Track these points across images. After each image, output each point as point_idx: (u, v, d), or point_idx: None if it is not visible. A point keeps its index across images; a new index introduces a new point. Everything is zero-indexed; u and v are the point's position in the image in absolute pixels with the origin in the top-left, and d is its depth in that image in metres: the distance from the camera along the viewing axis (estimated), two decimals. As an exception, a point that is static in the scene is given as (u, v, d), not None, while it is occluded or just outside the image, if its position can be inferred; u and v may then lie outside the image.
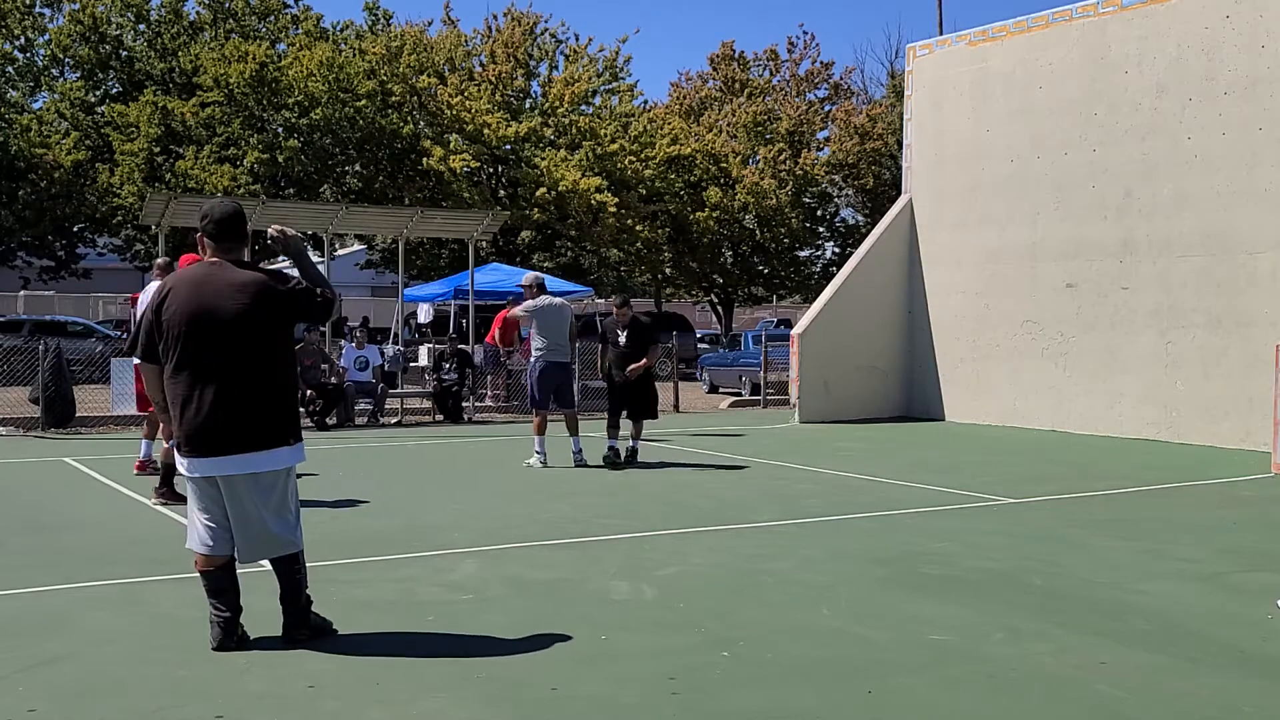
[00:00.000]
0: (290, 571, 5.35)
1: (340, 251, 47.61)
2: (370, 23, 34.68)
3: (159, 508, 9.23)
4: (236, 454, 5.15)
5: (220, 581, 5.30)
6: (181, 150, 29.62)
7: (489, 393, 19.94)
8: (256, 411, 5.18)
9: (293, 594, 5.36)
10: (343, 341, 18.32)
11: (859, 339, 17.87)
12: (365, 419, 17.31)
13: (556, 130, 33.08)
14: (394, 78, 31.66)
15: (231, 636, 5.26)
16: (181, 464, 5.27)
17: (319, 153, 30.73)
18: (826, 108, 40.54)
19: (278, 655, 5.21)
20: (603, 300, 43.83)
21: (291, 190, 31.08)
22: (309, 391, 16.15)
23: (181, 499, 9.30)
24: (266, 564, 5.41)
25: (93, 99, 31.80)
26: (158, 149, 29.56)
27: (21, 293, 38.54)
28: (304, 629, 5.37)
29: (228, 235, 5.30)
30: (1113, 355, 15.52)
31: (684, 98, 40.44)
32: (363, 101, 30.33)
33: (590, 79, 34.25)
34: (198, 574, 5.38)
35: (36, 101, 32.54)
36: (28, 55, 32.07)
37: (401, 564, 7.20)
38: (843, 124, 38.17)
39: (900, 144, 24.15)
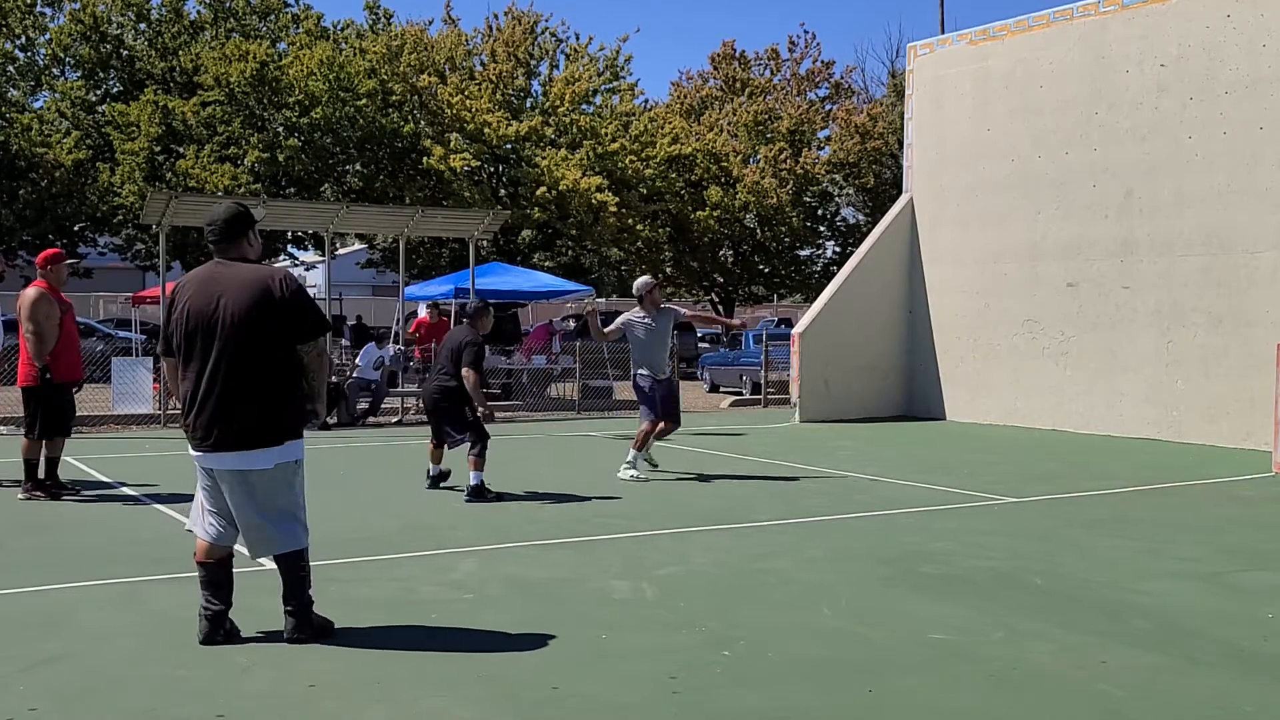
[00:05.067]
0: (293, 569, 5.39)
1: (341, 251, 47.64)
2: (371, 22, 34.67)
3: (28, 500, 9.50)
4: (227, 451, 5.26)
5: (216, 575, 5.37)
6: (182, 149, 29.61)
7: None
8: (248, 409, 5.25)
9: (295, 592, 5.39)
10: (370, 344, 18.35)
11: (859, 338, 17.86)
12: (362, 416, 17.34)
13: (557, 129, 33.06)
14: (394, 77, 31.65)
15: (218, 630, 5.33)
16: (190, 453, 5.41)
17: (319, 152, 30.71)
18: (827, 107, 40.50)
19: (278, 655, 5.21)
20: (603, 300, 43.84)
21: (292, 189, 31.07)
22: None
23: (50, 495, 9.56)
24: (268, 563, 5.42)
25: (93, 98, 31.78)
26: (158, 148, 29.55)
27: (22, 292, 38.52)
28: (305, 629, 5.38)
29: (227, 236, 5.45)
30: (1113, 355, 15.51)
31: (685, 97, 40.41)
32: (363, 101, 30.32)
33: (591, 78, 34.23)
34: (195, 565, 5.42)
35: (37, 101, 32.51)
36: (28, 54, 32.02)
37: (402, 563, 7.20)
38: (843, 123, 38.14)
39: (901, 143, 24.14)
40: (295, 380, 5.39)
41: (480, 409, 9.80)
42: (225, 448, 5.25)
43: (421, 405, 10.00)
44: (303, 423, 5.44)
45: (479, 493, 9.62)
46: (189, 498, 9.53)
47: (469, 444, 9.77)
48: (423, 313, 21.05)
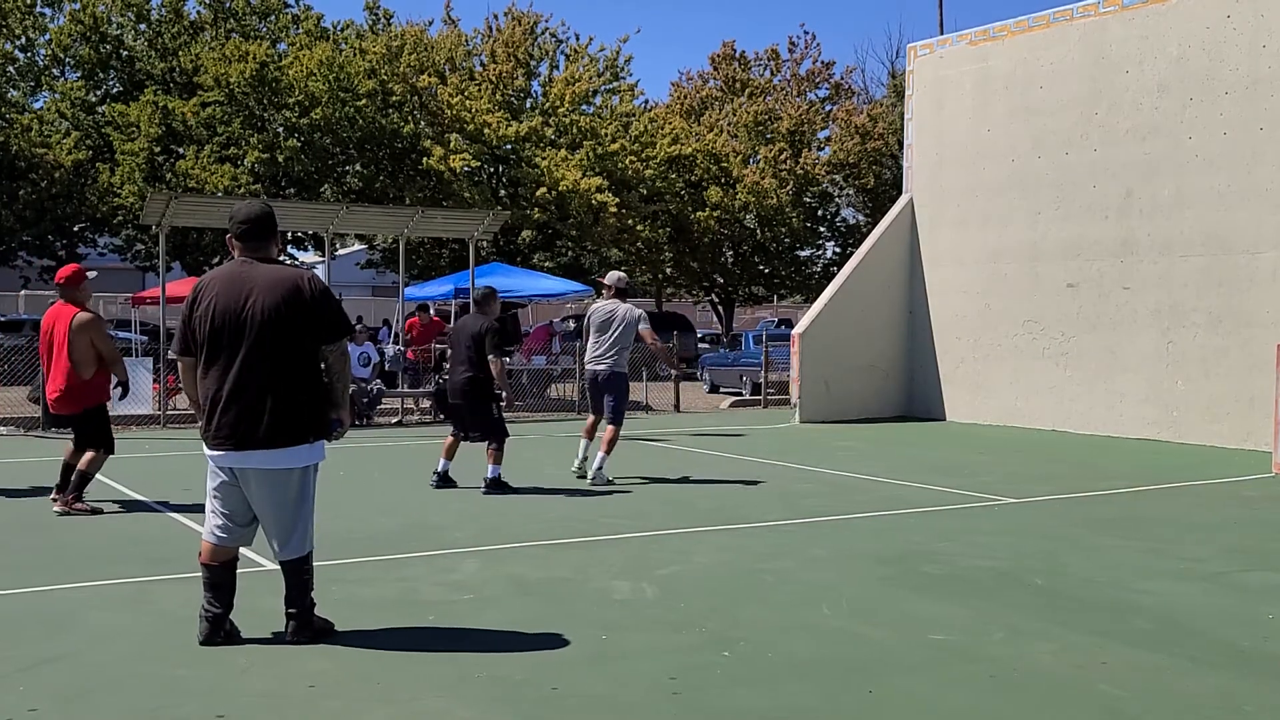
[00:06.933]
0: (298, 573, 5.38)
1: (341, 251, 47.64)
2: (371, 22, 34.65)
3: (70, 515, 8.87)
4: (253, 450, 5.22)
5: (219, 577, 5.35)
6: (182, 150, 29.62)
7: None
8: (274, 408, 5.22)
9: (298, 595, 5.39)
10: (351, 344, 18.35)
11: (860, 339, 17.86)
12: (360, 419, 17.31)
13: (557, 130, 33.04)
14: (394, 77, 31.64)
15: (219, 632, 5.32)
16: (207, 454, 5.37)
17: (319, 152, 30.70)
18: (827, 107, 40.48)
19: (278, 655, 5.21)
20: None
21: (292, 190, 31.06)
22: None
23: (87, 510, 8.86)
24: (268, 563, 5.41)
25: (93, 99, 31.77)
26: (158, 149, 29.54)
27: (22, 292, 38.55)
28: (306, 631, 5.38)
29: (254, 235, 5.40)
30: (1114, 355, 15.51)
31: (685, 97, 40.40)
32: (363, 101, 30.30)
33: (591, 78, 34.22)
34: (200, 566, 5.40)
35: (37, 101, 32.51)
36: (28, 55, 32.02)
37: (402, 563, 7.20)
38: (843, 123, 38.14)
39: (901, 143, 24.15)
40: (320, 380, 5.38)
41: (503, 392, 10.22)
42: (252, 446, 5.21)
43: (433, 402, 10.34)
44: (328, 430, 5.43)
45: (498, 484, 9.98)
46: (189, 498, 9.58)
47: (488, 440, 10.08)
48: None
